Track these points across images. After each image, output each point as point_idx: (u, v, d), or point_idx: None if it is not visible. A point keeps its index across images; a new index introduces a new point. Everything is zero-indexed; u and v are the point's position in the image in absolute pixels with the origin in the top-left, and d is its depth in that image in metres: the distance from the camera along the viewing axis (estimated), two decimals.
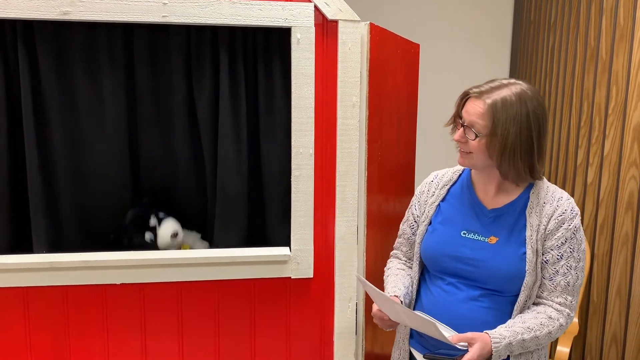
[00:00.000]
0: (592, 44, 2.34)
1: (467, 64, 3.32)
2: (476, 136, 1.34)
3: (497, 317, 1.36)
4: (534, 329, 1.33)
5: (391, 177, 2.04)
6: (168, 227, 1.73)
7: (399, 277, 1.55)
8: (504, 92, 1.33)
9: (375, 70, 1.79)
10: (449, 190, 1.51)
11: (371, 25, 1.74)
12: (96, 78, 1.67)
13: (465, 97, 1.39)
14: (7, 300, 1.67)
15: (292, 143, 1.71)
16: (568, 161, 2.52)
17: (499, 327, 1.33)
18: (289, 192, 1.74)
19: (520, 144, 1.32)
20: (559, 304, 1.37)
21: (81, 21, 1.58)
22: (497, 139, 1.31)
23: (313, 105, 1.71)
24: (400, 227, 1.61)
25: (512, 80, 1.36)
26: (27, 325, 1.69)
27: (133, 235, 1.71)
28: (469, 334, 1.30)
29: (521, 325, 1.33)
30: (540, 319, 1.35)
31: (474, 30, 3.32)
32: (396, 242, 1.63)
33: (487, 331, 1.32)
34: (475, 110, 1.34)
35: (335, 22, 1.70)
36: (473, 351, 1.27)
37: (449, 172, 1.55)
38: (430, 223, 1.50)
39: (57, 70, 1.65)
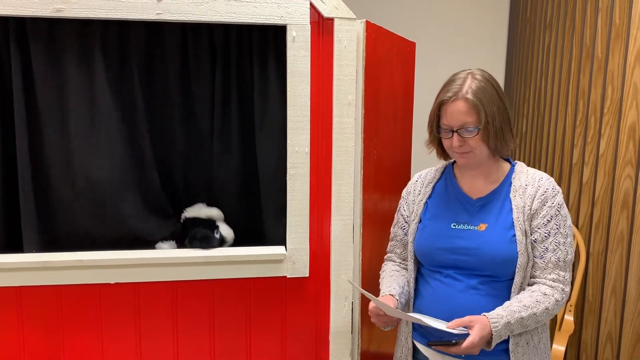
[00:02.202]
0: (588, 43, 2.34)
1: (463, 63, 3.29)
2: (478, 131, 1.37)
3: (496, 303, 1.39)
4: (530, 306, 1.36)
5: (387, 176, 2.04)
6: (228, 238, 1.79)
7: (394, 277, 1.56)
8: (471, 82, 1.38)
9: (371, 69, 1.78)
10: (434, 187, 1.55)
11: (367, 23, 1.73)
12: (90, 76, 1.65)
13: (439, 106, 1.42)
14: (0, 299, 1.65)
15: (288, 141, 1.71)
16: (564, 160, 2.52)
17: (496, 309, 1.36)
18: (284, 190, 1.74)
19: (502, 119, 1.39)
20: (552, 280, 1.40)
21: (74, 18, 1.57)
22: (489, 125, 1.37)
23: (309, 104, 1.70)
24: (391, 230, 1.64)
25: (466, 70, 1.42)
26: (21, 324, 1.68)
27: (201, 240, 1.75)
28: (467, 318, 1.33)
29: (517, 305, 1.36)
30: (536, 296, 1.38)
31: (470, 29, 3.32)
32: (389, 245, 1.65)
33: (484, 313, 1.34)
34: (460, 110, 1.38)
35: (331, 19, 1.69)
36: (474, 334, 1.29)
37: (432, 171, 1.59)
38: (420, 221, 1.53)
39: (50, 67, 1.63)
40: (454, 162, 1.55)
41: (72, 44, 1.63)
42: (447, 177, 1.55)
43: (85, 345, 1.72)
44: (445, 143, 1.43)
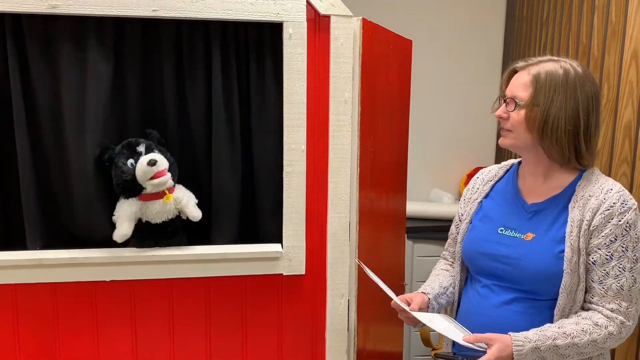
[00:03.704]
0: (584, 41, 2.34)
1: (459, 60, 3.32)
2: (515, 105, 1.27)
3: (533, 323, 1.27)
4: (572, 334, 1.21)
5: (383, 174, 2.04)
6: (147, 156, 1.58)
7: (440, 276, 1.51)
8: (551, 65, 1.27)
9: (368, 66, 1.78)
10: (493, 186, 1.46)
11: (364, 20, 1.73)
12: (86, 72, 1.64)
13: (511, 73, 1.34)
14: None
15: (284, 139, 1.70)
16: None
17: (530, 330, 1.24)
18: (281, 188, 1.73)
19: (565, 119, 1.24)
20: (611, 310, 1.23)
21: (70, 15, 1.56)
22: (538, 109, 1.24)
23: (305, 101, 1.70)
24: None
25: (563, 58, 1.30)
26: (16, 322, 1.67)
27: (116, 157, 1.59)
28: (488, 334, 1.23)
29: (556, 330, 1.22)
30: (583, 324, 1.22)
31: (467, 27, 3.32)
32: (446, 243, 1.60)
33: (511, 333, 1.22)
34: (518, 81, 1.29)
35: (328, 17, 1.69)
36: (490, 353, 1.18)
37: (495, 168, 1.50)
38: (471, 221, 1.45)
39: (47, 64, 1.62)
40: (520, 161, 1.44)
41: (68, 41, 1.62)
42: (510, 176, 1.44)
43: (81, 343, 1.71)
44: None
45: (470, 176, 3.27)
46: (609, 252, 1.23)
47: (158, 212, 1.65)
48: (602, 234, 1.23)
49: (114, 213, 1.66)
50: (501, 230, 1.36)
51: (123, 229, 1.63)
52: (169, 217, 1.68)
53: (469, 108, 3.33)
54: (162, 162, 1.60)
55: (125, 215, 1.64)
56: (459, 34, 3.31)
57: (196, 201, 1.73)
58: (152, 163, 1.57)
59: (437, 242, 2.94)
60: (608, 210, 1.23)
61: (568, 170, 1.33)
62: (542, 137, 1.26)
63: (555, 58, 1.30)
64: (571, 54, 2.45)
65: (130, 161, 1.59)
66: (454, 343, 1.43)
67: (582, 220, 1.24)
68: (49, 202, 1.70)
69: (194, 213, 1.68)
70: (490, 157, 3.40)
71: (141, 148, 1.60)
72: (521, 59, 1.34)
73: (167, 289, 1.74)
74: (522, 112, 1.27)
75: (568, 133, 1.25)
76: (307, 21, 1.67)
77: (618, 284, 1.22)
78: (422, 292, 1.45)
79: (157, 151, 1.63)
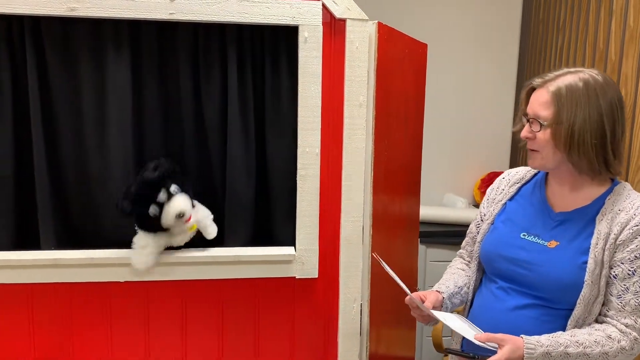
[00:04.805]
0: (601, 46, 2.32)
1: (475, 64, 3.30)
2: (541, 126, 1.25)
3: (544, 330, 1.26)
4: (584, 344, 1.20)
5: (397, 177, 2.03)
6: (175, 207, 1.55)
7: (455, 275, 1.50)
8: (570, 79, 1.24)
9: (383, 70, 1.77)
10: (519, 189, 1.44)
11: (379, 24, 1.73)
12: (103, 75, 1.66)
13: (529, 90, 1.32)
14: (11, 296, 1.66)
15: (299, 142, 1.70)
16: None
17: (542, 335, 1.23)
18: (295, 191, 1.74)
19: (590, 132, 1.21)
20: (625, 325, 1.22)
21: (88, 17, 1.58)
22: (562, 126, 1.22)
23: (320, 105, 1.70)
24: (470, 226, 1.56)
25: (580, 68, 1.28)
26: (31, 322, 1.69)
27: (136, 204, 1.56)
28: (500, 335, 1.22)
29: (568, 338, 1.21)
30: (596, 336, 1.22)
31: (483, 30, 3.29)
32: (463, 241, 1.59)
33: (523, 335, 1.22)
34: (538, 100, 1.27)
35: (343, 20, 1.69)
36: (501, 353, 1.18)
37: (523, 170, 1.48)
38: (493, 222, 1.44)
39: (65, 66, 1.64)
40: None
41: (85, 43, 1.64)
42: (537, 181, 1.42)
43: (95, 343, 1.73)
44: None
45: (484, 181, 3.25)
46: (632, 268, 1.22)
47: (182, 239, 1.69)
48: (628, 248, 1.22)
49: (134, 242, 1.65)
50: (524, 235, 1.35)
51: (149, 260, 1.65)
52: (190, 238, 1.71)
53: (483, 112, 3.31)
54: (188, 209, 1.59)
55: (153, 249, 1.65)
56: (474, 37, 3.29)
57: (212, 216, 1.73)
58: (180, 216, 1.57)
59: (450, 247, 2.93)
60: (637, 226, 1.22)
61: (598, 183, 1.31)
62: (569, 153, 1.25)
63: (573, 70, 1.27)
64: (588, 59, 2.43)
65: (154, 207, 1.56)
66: (463, 342, 1.43)
67: (609, 234, 1.23)
68: (64, 202, 1.72)
69: (213, 234, 1.72)
70: (505, 162, 3.37)
71: (162, 196, 1.56)
72: (538, 75, 1.32)
73: (181, 290, 1.74)
74: (548, 131, 1.25)
75: (595, 146, 1.23)
76: (322, 25, 1.67)
77: (637, 301, 1.22)
78: (436, 291, 1.44)
79: (177, 190, 1.59)
